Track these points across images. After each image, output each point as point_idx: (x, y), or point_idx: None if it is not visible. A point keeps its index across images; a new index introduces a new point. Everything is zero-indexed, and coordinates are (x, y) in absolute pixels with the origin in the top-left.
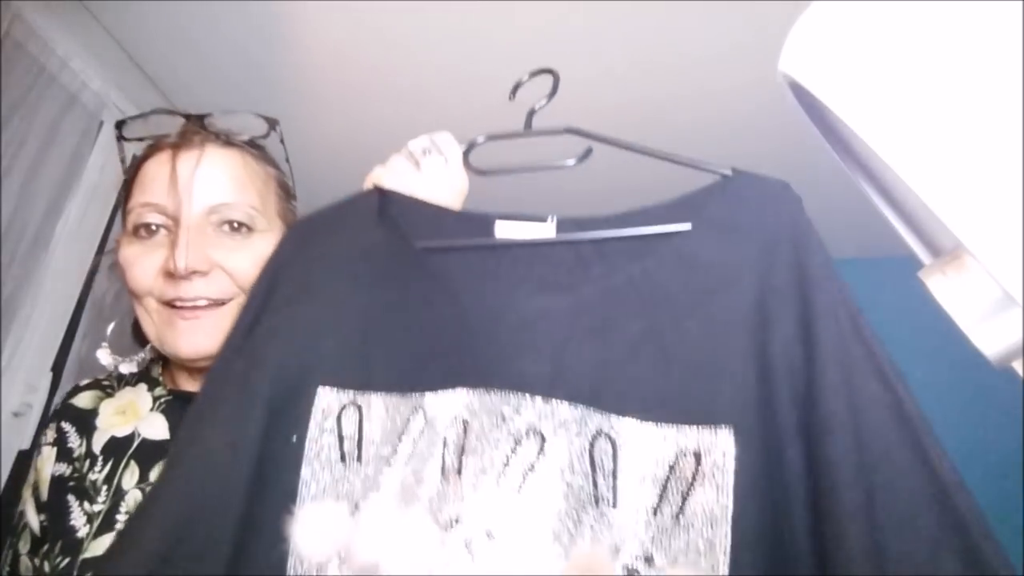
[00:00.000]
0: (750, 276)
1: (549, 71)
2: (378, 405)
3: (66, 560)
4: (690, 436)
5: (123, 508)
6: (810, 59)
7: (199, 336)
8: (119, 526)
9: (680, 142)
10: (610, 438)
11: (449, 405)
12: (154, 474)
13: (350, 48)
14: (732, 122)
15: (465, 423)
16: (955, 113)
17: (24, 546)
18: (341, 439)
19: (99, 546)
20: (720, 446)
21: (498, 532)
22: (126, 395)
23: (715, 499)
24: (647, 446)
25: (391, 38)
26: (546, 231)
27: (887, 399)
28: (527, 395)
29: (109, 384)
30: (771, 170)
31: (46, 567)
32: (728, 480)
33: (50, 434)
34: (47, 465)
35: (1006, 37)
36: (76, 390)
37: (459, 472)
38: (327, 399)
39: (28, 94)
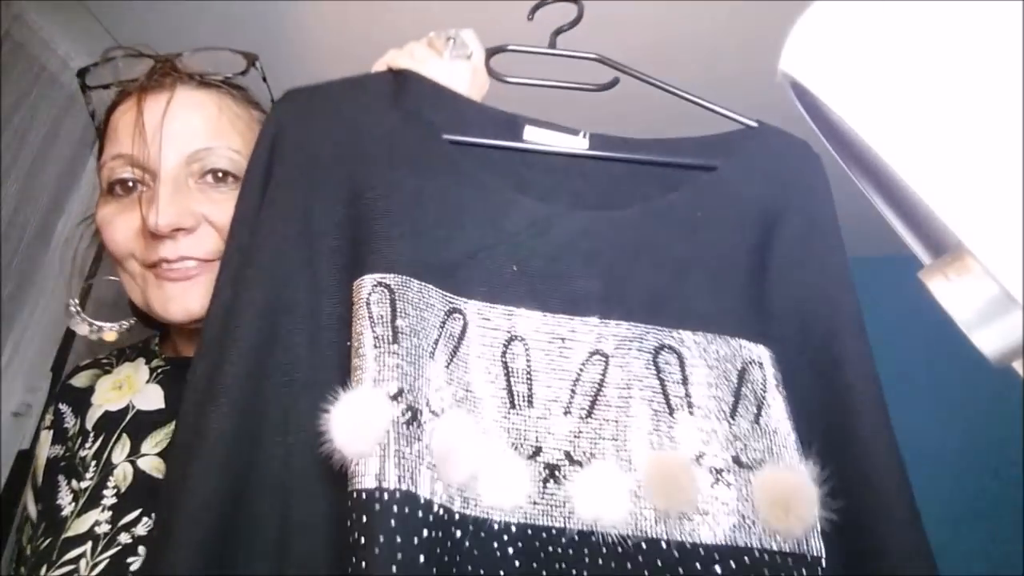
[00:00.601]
0: (770, 211)
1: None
2: (413, 288)
3: (48, 540)
4: (749, 348)
5: (111, 483)
6: (810, 59)
7: (189, 299)
8: (105, 501)
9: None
10: (674, 350)
11: (502, 323)
12: (146, 445)
13: (353, 48)
14: (733, 124)
15: (527, 348)
16: (955, 113)
17: (25, 538)
18: (372, 321)
19: (82, 524)
20: (767, 358)
21: (582, 457)
22: (124, 370)
23: (782, 406)
24: (713, 355)
25: (393, 38)
26: (578, 144)
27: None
28: (585, 317)
29: (108, 361)
30: None
31: (28, 550)
32: (782, 389)
33: (48, 418)
34: (44, 449)
35: (1006, 37)
36: (76, 370)
37: (530, 401)
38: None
39: (28, 94)
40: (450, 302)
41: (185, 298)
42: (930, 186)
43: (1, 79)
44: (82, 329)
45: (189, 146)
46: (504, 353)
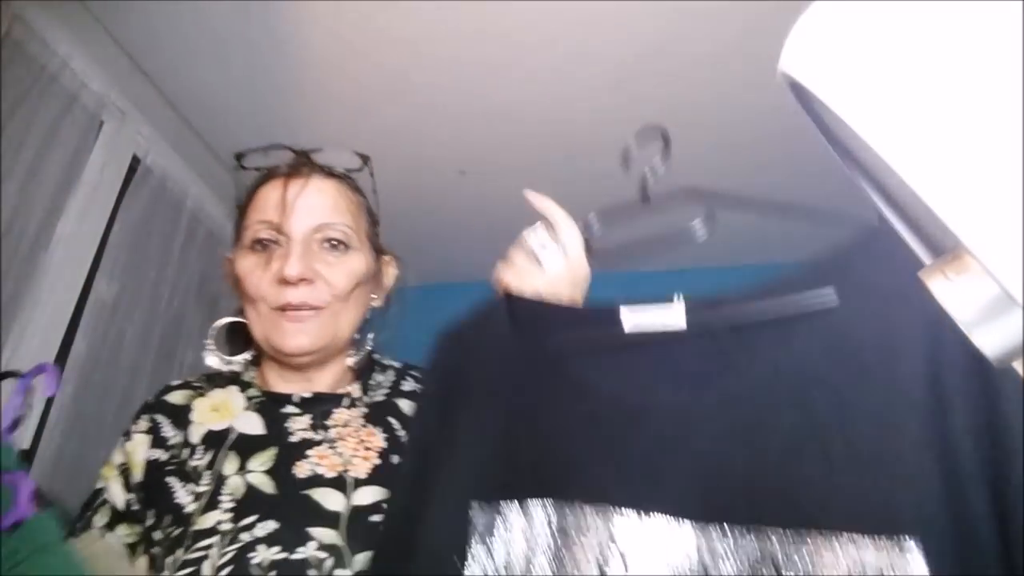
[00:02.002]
0: (915, 351)
1: (661, 134)
2: (526, 518)
3: (179, 530)
4: (869, 550)
5: (225, 490)
6: (810, 59)
7: (301, 336)
8: (223, 505)
9: (681, 141)
10: (775, 563)
11: (600, 527)
12: (253, 463)
13: (351, 47)
14: (732, 122)
15: (623, 555)
16: (955, 113)
17: (100, 519)
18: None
19: (207, 520)
20: (907, 565)
21: None
22: (218, 395)
23: None
24: (820, 565)
25: (394, 38)
26: (675, 315)
27: None
28: (682, 519)
29: (200, 385)
30: (771, 170)
31: (158, 535)
32: None
33: (143, 424)
34: (140, 450)
35: (1006, 37)
36: (168, 389)
37: None
38: (480, 517)
39: (28, 94)
40: (556, 509)
41: (299, 336)
42: (929, 186)
43: (1, 79)
44: (213, 362)
45: (316, 219)
46: (601, 562)
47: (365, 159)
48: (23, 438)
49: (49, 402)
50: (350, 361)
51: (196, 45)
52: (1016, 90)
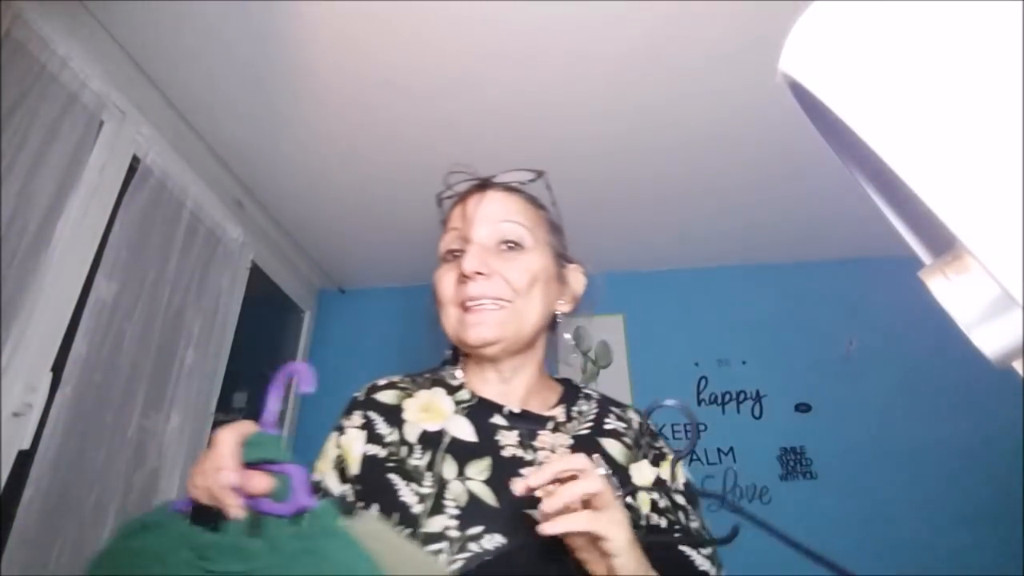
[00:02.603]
0: None
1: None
2: None
3: (408, 530)
4: None
5: (448, 495)
6: (810, 59)
7: (483, 328)
8: (448, 511)
9: (682, 142)
10: None
11: None
12: (471, 471)
13: (351, 46)
14: (733, 122)
15: None
16: (955, 113)
17: None
18: None
19: (435, 524)
20: None
21: None
22: (424, 395)
23: None
24: None
25: (393, 37)
26: None
27: None
28: None
29: (405, 386)
30: (772, 170)
31: None
32: None
33: (356, 419)
34: (356, 444)
35: (1006, 37)
36: (375, 387)
37: None
38: None
39: (28, 94)
40: None
41: (480, 327)
42: (930, 186)
43: (1, 79)
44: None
45: (492, 223)
46: None
47: (539, 173)
48: (23, 438)
49: (49, 402)
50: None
51: (196, 45)
52: (1016, 90)
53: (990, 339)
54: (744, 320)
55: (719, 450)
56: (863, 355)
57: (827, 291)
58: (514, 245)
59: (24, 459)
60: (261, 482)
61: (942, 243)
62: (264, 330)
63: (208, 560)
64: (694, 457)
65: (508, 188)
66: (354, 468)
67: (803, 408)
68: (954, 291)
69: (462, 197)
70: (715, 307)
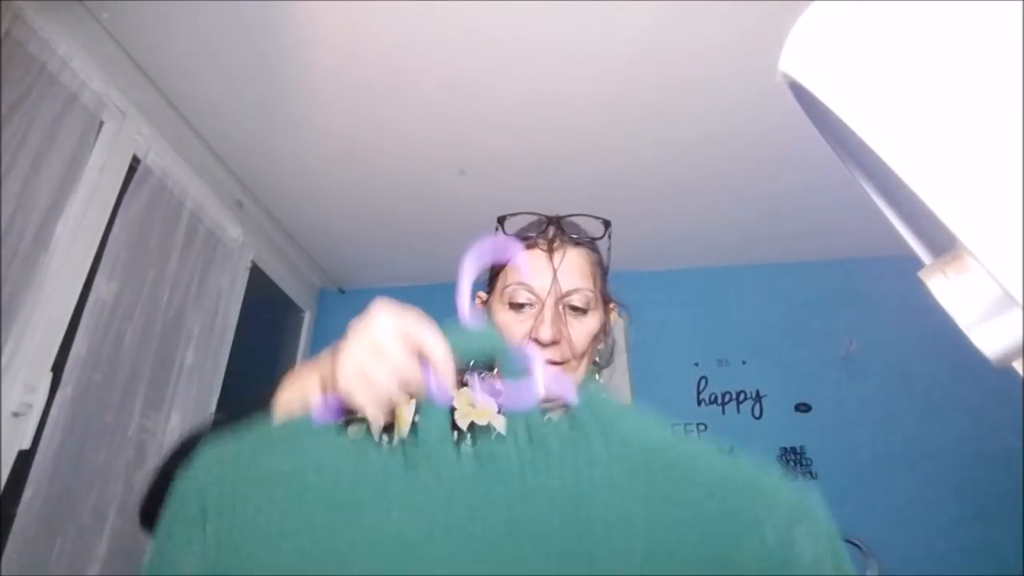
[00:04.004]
0: None
1: None
2: None
3: None
4: None
5: None
6: (810, 59)
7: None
8: None
9: (682, 142)
10: None
11: None
12: None
13: (351, 47)
14: (733, 122)
15: None
16: (955, 113)
17: None
18: None
19: None
20: None
21: None
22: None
23: None
24: None
25: (392, 39)
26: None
27: None
28: None
29: None
30: (772, 170)
31: None
32: None
33: None
34: None
35: (1006, 37)
36: None
37: None
38: None
39: (28, 94)
40: None
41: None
42: (929, 186)
43: (1, 79)
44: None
45: (566, 287)
46: None
47: (607, 224)
48: (24, 438)
49: (49, 402)
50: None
51: (196, 45)
52: (1016, 90)
53: (990, 339)
54: (744, 320)
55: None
56: (863, 355)
57: (827, 291)
58: (580, 309)
59: (24, 459)
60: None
61: (942, 243)
62: (264, 330)
63: (412, 457)
64: None
65: (579, 243)
66: None
67: (803, 408)
68: (954, 291)
69: (534, 245)
70: (715, 307)
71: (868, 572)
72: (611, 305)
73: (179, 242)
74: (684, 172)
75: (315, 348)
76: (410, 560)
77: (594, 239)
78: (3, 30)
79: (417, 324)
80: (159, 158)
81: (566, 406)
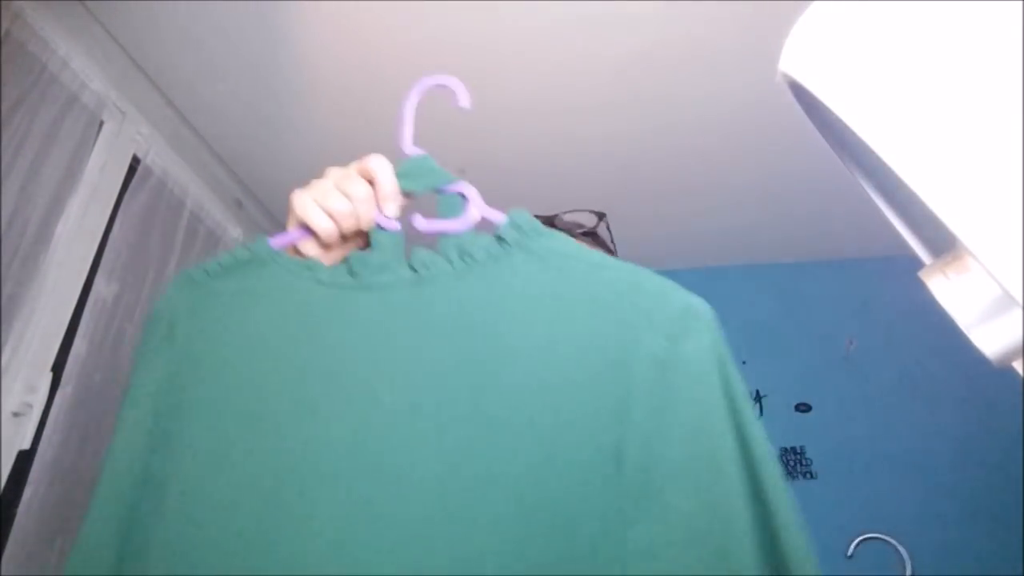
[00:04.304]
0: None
1: None
2: None
3: None
4: None
5: None
6: (810, 59)
7: None
8: None
9: (682, 142)
10: None
11: None
12: None
13: (352, 46)
14: (733, 122)
15: None
16: (955, 113)
17: None
18: None
19: None
20: None
21: None
22: None
23: None
24: None
25: (393, 38)
26: None
27: None
28: None
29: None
30: (772, 170)
31: None
32: None
33: None
34: None
35: (1006, 37)
36: None
37: None
38: None
39: (28, 94)
40: None
41: None
42: (929, 186)
43: (1, 79)
44: None
45: None
46: None
47: (600, 216)
48: (23, 438)
49: (49, 402)
50: None
51: (196, 45)
52: (1016, 90)
53: (990, 339)
54: (744, 320)
55: None
56: (863, 355)
57: (827, 291)
58: None
59: (24, 459)
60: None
61: (942, 243)
62: None
63: (361, 277)
64: None
65: (573, 235)
66: None
67: (803, 408)
68: (954, 291)
69: None
70: (715, 307)
71: (907, 573)
72: None
73: (179, 242)
74: (684, 172)
75: None
76: (350, 361)
77: (590, 230)
78: (3, 30)
79: (368, 156)
80: (159, 158)
81: (497, 227)
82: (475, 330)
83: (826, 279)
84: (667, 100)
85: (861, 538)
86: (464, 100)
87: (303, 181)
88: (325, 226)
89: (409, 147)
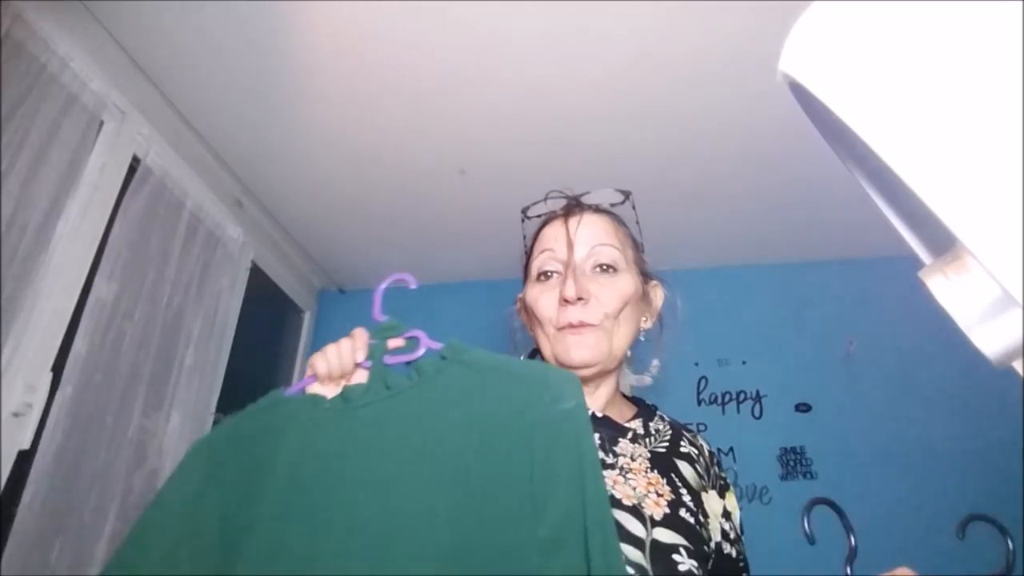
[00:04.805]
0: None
1: None
2: None
3: None
4: None
5: None
6: (810, 59)
7: (583, 350)
8: None
9: (681, 142)
10: None
11: None
12: None
13: (352, 47)
14: (733, 122)
15: None
16: (955, 113)
17: None
18: None
19: None
20: None
21: None
22: None
23: None
24: None
25: (392, 38)
26: None
27: None
28: None
29: None
30: (772, 170)
31: None
32: None
33: None
34: None
35: (1006, 37)
36: None
37: None
38: None
39: (28, 94)
40: None
41: (581, 349)
42: (929, 186)
43: (1, 79)
44: None
45: (589, 248)
46: None
47: (626, 194)
48: (24, 438)
49: (49, 402)
50: (629, 383)
51: (196, 45)
52: (1016, 90)
53: (990, 339)
54: (744, 320)
55: (719, 450)
56: (863, 355)
57: (827, 291)
58: (608, 268)
59: (24, 459)
60: (396, 343)
61: (942, 243)
62: (264, 330)
63: (351, 400)
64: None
65: (600, 210)
66: None
67: (803, 408)
68: (954, 291)
69: (555, 217)
70: (715, 307)
71: (1009, 547)
72: (652, 282)
73: (179, 242)
74: (685, 173)
75: (315, 348)
76: (351, 457)
77: (613, 204)
78: (3, 30)
79: (360, 336)
80: (159, 158)
81: (440, 351)
82: (431, 419)
83: (826, 279)
84: (667, 101)
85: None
86: (412, 284)
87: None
88: (324, 373)
89: (378, 316)
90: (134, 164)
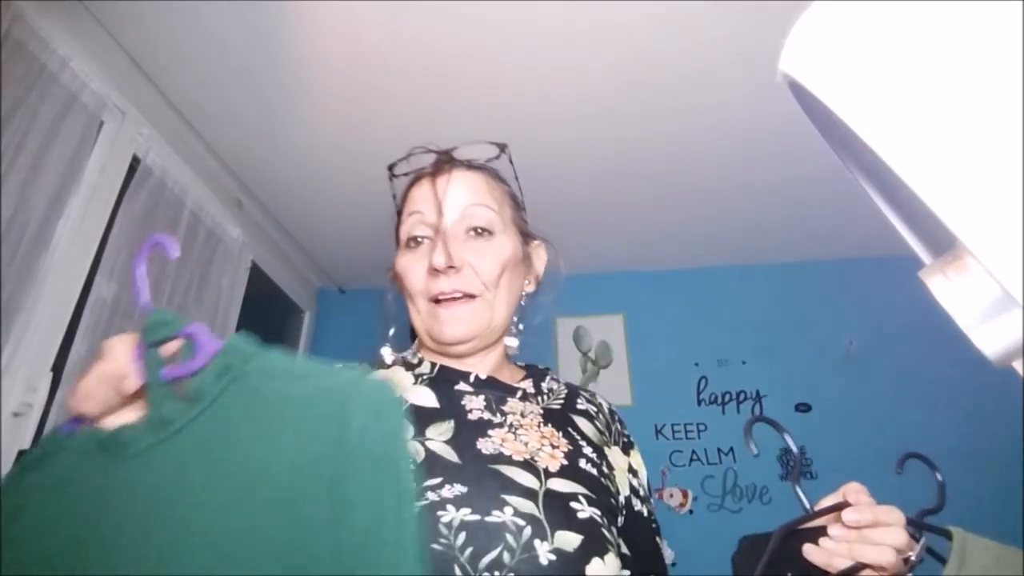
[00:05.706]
0: None
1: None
2: None
3: None
4: None
5: None
6: (810, 59)
7: (457, 325)
8: None
9: (682, 142)
10: None
11: None
12: (429, 431)
13: (352, 47)
14: (733, 122)
15: None
16: (955, 113)
17: None
18: None
19: None
20: None
21: None
22: (382, 373)
23: None
24: None
25: (394, 38)
26: None
27: None
28: None
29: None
30: (772, 170)
31: None
32: None
33: None
34: None
35: (1006, 37)
36: None
37: None
38: None
39: (28, 94)
40: None
41: (455, 324)
42: (929, 186)
43: (1, 79)
44: (389, 357)
45: (460, 209)
46: None
47: (502, 147)
48: (23, 438)
49: (49, 402)
50: (510, 345)
51: (196, 45)
52: (1016, 90)
53: (990, 339)
54: (744, 320)
55: (719, 450)
56: (863, 355)
57: (827, 291)
58: (483, 231)
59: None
60: (172, 348)
61: (942, 243)
62: (264, 330)
63: (127, 446)
64: (694, 458)
65: (473, 166)
66: None
67: (803, 408)
68: (954, 291)
69: (422, 175)
70: (715, 307)
71: (939, 479)
72: (534, 242)
73: (179, 242)
74: (685, 172)
75: (315, 348)
76: (120, 510)
77: (489, 160)
78: (3, 30)
79: (120, 356)
80: (159, 158)
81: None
82: (212, 473)
83: (826, 279)
84: (668, 101)
85: None
86: (175, 254)
87: (303, 181)
88: (94, 414)
89: (145, 303)
90: (134, 164)
